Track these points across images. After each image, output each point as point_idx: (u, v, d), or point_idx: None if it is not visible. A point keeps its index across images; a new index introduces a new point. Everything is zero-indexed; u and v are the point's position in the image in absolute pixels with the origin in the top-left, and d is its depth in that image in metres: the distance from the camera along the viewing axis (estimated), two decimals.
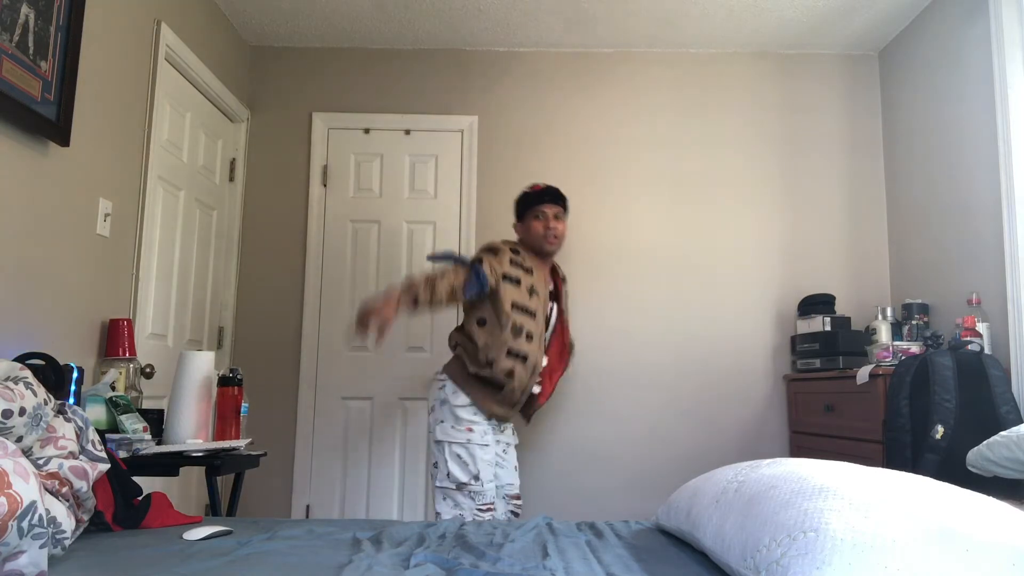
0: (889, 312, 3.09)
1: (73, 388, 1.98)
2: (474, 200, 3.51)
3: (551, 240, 2.67)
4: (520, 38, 3.53)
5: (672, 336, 3.45)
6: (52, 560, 1.29)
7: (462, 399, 2.55)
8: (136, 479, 1.80)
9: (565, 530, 1.71)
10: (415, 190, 3.57)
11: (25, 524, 1.16)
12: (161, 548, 1.46)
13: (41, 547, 1.18)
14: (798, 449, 3.28)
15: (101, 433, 1.87)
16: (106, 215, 2.40)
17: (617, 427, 3.39)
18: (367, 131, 3.60)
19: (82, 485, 1.46)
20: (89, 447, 1.55)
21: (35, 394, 1.44)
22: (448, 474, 2.50)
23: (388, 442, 3.42)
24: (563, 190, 2.68)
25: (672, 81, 3.61)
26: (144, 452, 2.00)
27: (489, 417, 2.57)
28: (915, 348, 2.78)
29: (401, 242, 3.53)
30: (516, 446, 2.76)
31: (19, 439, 1.38)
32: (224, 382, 2.27)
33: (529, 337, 2.55)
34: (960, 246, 2.94)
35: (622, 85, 3.61)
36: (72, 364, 2.00)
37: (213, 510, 2.21)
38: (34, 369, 1.67)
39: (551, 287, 2.75)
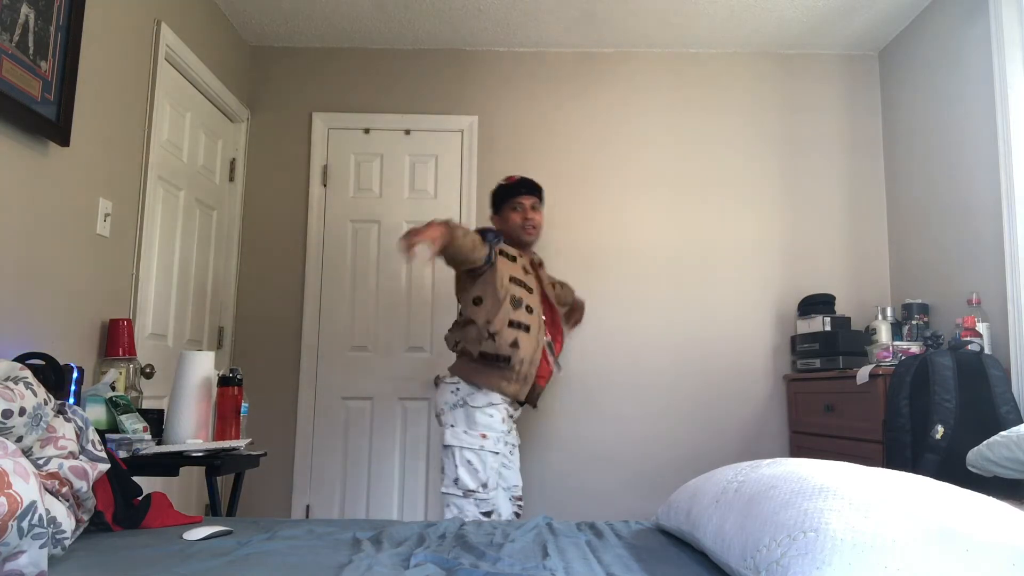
0: (889, 312, 3.09)
1: (73, 388, 1.98)
2: (474, 200, 3.51)
3: (529, 230, 2.70)
4: (520, 38, 3.53)
5: (672, 336, 3.45)
6: (52, 560, 1.29)
7: (481, 399, 2.51)
8: (136, 479, 1.80)
9: (565, 530, 1.71)
10: (415, 190, 3.57)
11: (25, 524, 1.16)
12: (161, 548, 1.46)
13: (41, 547, 1.18)
14: (798, 449, 3.28)
15: (101, 433, 1.87)
16: (106, 215, 2.40)
17: (617, 427, 3.39)
18: (367, 131, 3.60)
19: (82, 485, 1.46)
20: (89, 447, 1.55)
21: (35, 394, 1.44)
22: (456, 480, 2.47)
23: (388, 442, 3.42)
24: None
25: (672, 81, 3.61)
26: (144, 452, 2.00)
27: (507, 400, 2.53)
28: (915, 348, 2.78)
29: None
30: (518, 446, 2.76)
31: (19, 439, 1.38)
32: (224, 382, 2.27)
33: (529, 310, 2.57)
34: (960, 246, 2.94)
35: (622, 85, 3.61)
36: (72, 364, 2.00)
37: (213, 510, 2.21)
38: (34, 369, 1.67)
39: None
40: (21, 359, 1.83)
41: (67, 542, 1.37)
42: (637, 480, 3.35)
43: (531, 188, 2.74)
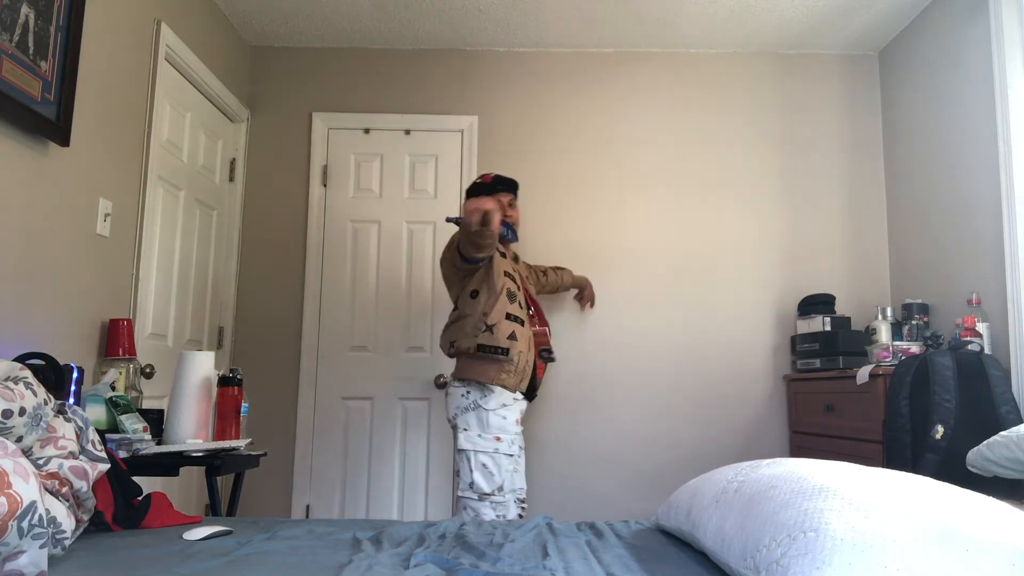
0: (889, 312, 3.09)
1: (73, 388, 1.98)
2: None
3: (507, 225, 2.73)
4: (520, 38, 3.53)
5: (672, 336, 3.45)
6: (52, 560, 1.29)
7: (493, 401, 2.51)
8: (136, 479, 1.80)
9: (565, 530, 1.71)
10: (415, 190, 3.57)
11: (25, 524, 1.16)
12: (161, 548, 1.46)
13: (41, 547, 1.18)
14: (798, 449, 3.28)
15: (101, 433, 1.87)
16: (106, 215, 2.40)
17: (617, 427, 3.39)
18: (367, 131, 3.60)
19: (82, 485, 1.46)
20: (89, 447, 1.55)
21: (35, 394, 1.44)
22: (472, 484, 2.47)
23: (388, 442, 3.42)
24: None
25: (672, 81, 3.61)
26: (144, 452, 2.00)
27: (515, 397, 2.54)
28: (915, 348, 2.78)
29: (401, 242, 3.53)
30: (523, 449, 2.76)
31: (19, 439, 1.38)
32: (224, 382, 2.27)
33: (520, 304, 2.60)
34: (960, 246, 2.94)
35: (622, 85, 3.61)
36: (72, 364, 2.00)
37: (213, 510, 2.21)
38: (34, 369, 1.67)
39: None
40: (21, 359, 1.83)
41: (67, 542, 1.37)
42: (637, 480, 3.35)
43: (508, 185, 2.76)
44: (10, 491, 1.15)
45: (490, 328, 2.50)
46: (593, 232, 3.50)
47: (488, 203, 2.33)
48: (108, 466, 1.58)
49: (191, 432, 2.19)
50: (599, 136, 3.57)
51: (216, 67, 3.22)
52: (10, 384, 1.41)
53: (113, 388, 2.18)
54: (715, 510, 1.33)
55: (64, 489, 1.42)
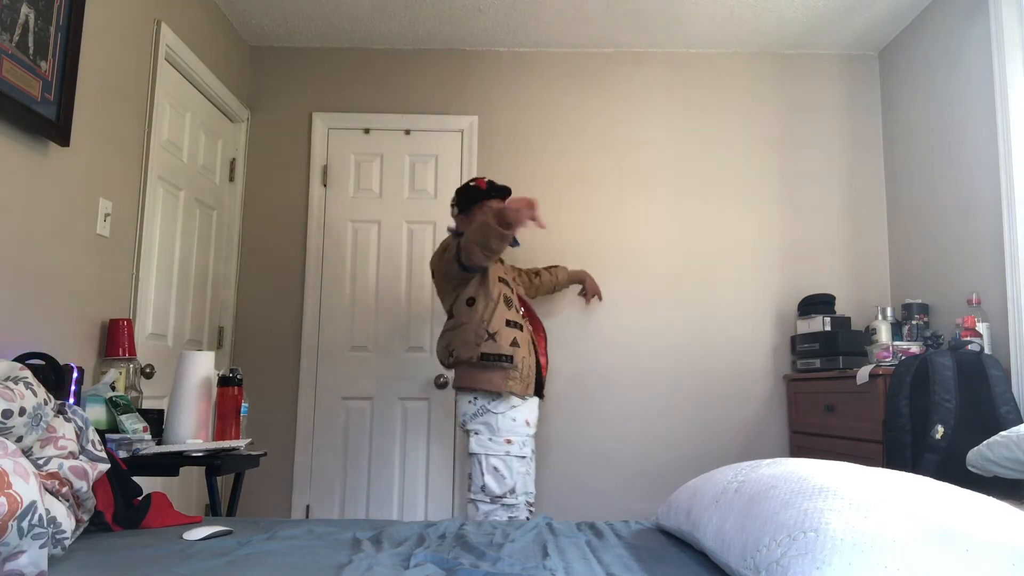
0: (889, 312, 3.09)
1: (73, 388, 1.98)
2: None
3: None
4: (520, 38, 3.53)
5: (672, 336, 3.45)
6: (52, 560, 1.29)
7: (501, 405, 2.50)
8: (136, 479, 1.80)
9: (565, 530, 1.71)
10: (415, 190, 3.57)
11: (25, 524, 1.16)
12: (161, 548, 1.46)
13: (41, 547, 1.18)
14: (798, 449, 3.28)
15: (101, 433, 1.87)
16: (106, 215, 2.40)
17: (617, 427, 3.39)
18: (367, 131, 3.60)
19: (82, 485, 1.46)
20: (89, 447, 1.55)
21: (35, 394, 1.44)
22: (483, 487, 2.47)
23: (388, 442, 3.42)
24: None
25: (672, 81, 3.61)
26: (144, 452, 2.00)
27: (514, 395, 2.51)
28: (915, 348, 2.78)
29: (401, 242, 3.53)
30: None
31: (19, 439, 1.38)
32: (224, 382, 2.27)
33: (517, 308, 2.60)
34: (960, 246, 2.94)
35: (622, 85, 3.61)
36: (72, 364, 2.00)
37: (213, 510, 2.21)
38: (34, 369, 1.67)
39: None
40: (21, 359, 1.84)
41: (67, 542, 1.37)
42: (637, 480, 3.35)
43: (501, 192, 2.73)
44: (10, 491, 1.15)
45: (492, 336, 2.48)
46: (593, 232, 3.50)
47: (523, 199, 2.27)
48: (108, 466, 1.58)
49: (191, 432, 2.19)
50: (599, 136, 3.57)
51: (216, 67, 3.22)
52: (10, 384, 1.41)
53: (113, 388, 2.18)
54: (715, 510, 1.33)
55: (64, 489, 1.42)
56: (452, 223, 2.80)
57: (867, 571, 0.94)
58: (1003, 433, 1.98)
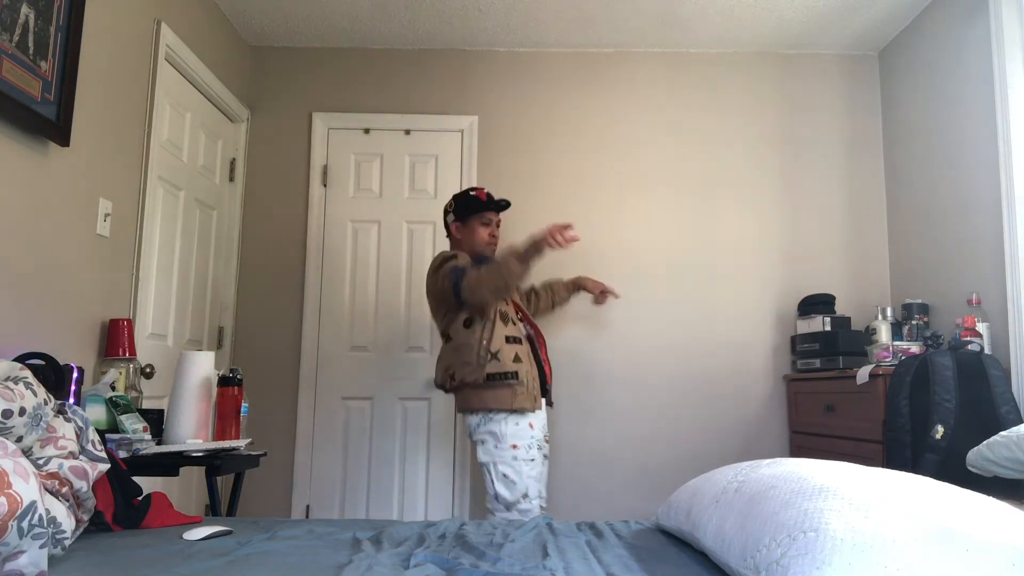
0: (889, 312, 3.09)
1: (73, 388, 1.98)
2: None
3: (493, 246, 2.70)
4: (520, 38, 3.53)
5: (672, 336, 3.45)
6: (52, 560, 1.29)
7: (501, 418, 2.48)
8: (136, 479, 1.80)
9: (565, 530, 1.71)
10: (415, 190, 3.57)
11: (25, 524, 1.16)
12: (161, 548, 1.46)
13: (41, 547, 1.18)
14: (798, 449, 3.28)
15: (101, 433, 1.87)
16: (106, 215, 2.40)
17: (617, 427, 3.39)
18: (367, 131, 3.60)
19: (82, 485, 1.46)
20: (89, 447, 1.55)
21: (35, 394, 1.44)
22: (496, 496, 2.46)
23: (388, 442, 3.42)
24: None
25: (672, 81, 3.61)
26: (144, 452, 2.00)
27: (526, 410, 2.49)
28: (915, 348, 2.78)
29: (401, 242, 3.53)
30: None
31: (19, 439, 1.38)
32: (224, 382, 2.27)
33: (514, 322, 2.58)
34: (960, 246, 2.94)
35: (622, 85, 3.61)
36: (72, 364, 2.00)
37: (213, 510, 2.21)
38: (34, 369, 1.67)
39: None
40: (21, 359, 1.83)
41: (67, 542, 1.37)
42: (637, 480, 3.35)
43: (500, 206, 2.71)
44: (10, 491, 1.15)
45: (495, 356, 2.46)
46: (593, 232, 3.49)
47: (553, 226, 2.32)
48: (108, 466, 1.58)
49: (191, 432, 2.19)
50: (599, 136, 3.57)
51: (216, 67, 3.22)
52: (10, 384, 1.41)
53: (113, 388, 2.18)
54: (715, 510, 1.33)
55: (64, 489, 1.42)
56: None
57: (867, 571, 0.94)
58: (1003, 433, 1.98)
